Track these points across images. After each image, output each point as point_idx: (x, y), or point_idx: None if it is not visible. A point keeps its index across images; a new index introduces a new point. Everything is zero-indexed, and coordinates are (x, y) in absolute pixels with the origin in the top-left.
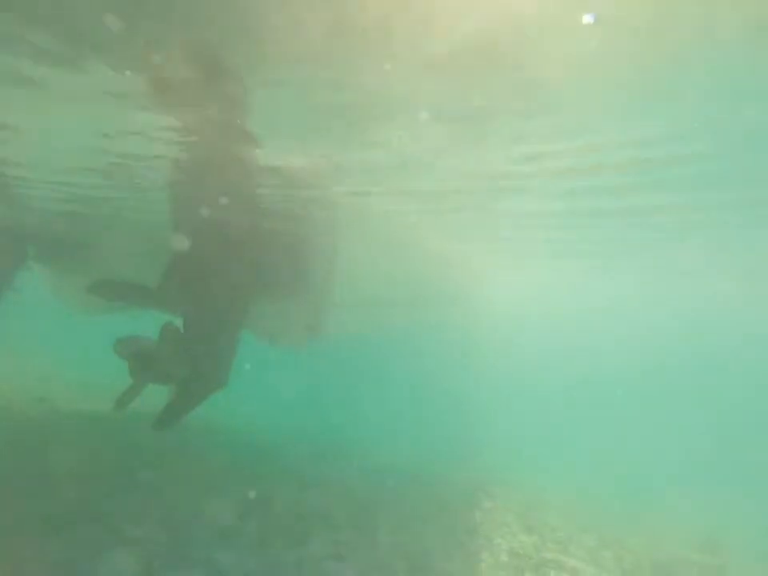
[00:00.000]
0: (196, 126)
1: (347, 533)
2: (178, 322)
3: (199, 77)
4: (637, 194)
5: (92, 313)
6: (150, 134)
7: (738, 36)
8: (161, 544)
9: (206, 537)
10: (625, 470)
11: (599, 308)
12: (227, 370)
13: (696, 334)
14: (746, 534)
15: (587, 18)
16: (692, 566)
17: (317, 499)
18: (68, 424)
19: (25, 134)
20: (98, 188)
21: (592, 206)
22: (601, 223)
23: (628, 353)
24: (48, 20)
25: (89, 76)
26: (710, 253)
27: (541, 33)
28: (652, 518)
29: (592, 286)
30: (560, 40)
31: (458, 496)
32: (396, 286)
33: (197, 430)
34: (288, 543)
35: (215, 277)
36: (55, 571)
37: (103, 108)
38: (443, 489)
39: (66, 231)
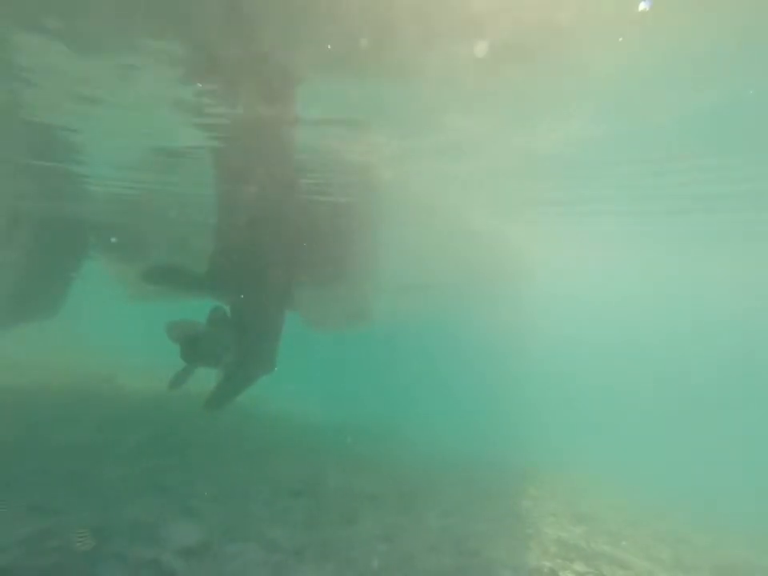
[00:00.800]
0: (246, 113)
1: (396, 515)
2: (226, 307)
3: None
4: None
5: (148, 298)
6: (199, 112)
7: None
8: (218, 517)
9: (259, 514)
10: (685, 465)
11: (666, 296)
12: (274, 354)
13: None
14: None
15: (643, 5)
16: (756, 570)
17: (366, 481)
18: (132, 403)
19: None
20: (150, 179)
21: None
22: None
23: (692, 346)
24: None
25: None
26: None
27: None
28: (714, 516)
29: (666, 272)
30: None
31: (507, 483)
32: (445, 269)
33: (250, 412)
34: (338, 522)
35: (259, 263)
36: (126, 534)
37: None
38: (492, 475)
39: (123, 222)
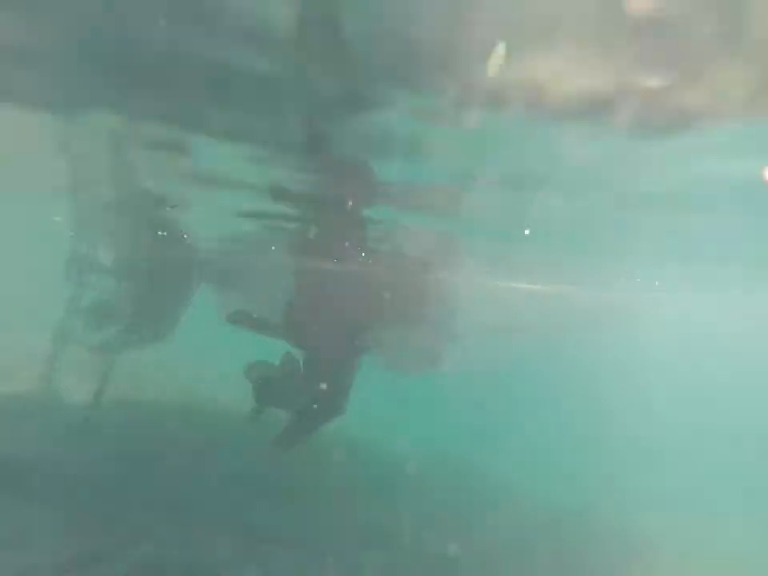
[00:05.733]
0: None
1: None
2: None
3: None
4: None
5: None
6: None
7: None
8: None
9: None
10: None
11: None
12: (345, 399)
13: None
14: None
15: None
16: None
17: (444, 538)
18: (229, 426)
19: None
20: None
21: None
22: None
23: None
24: None
25: None
26: None
27: None
28: None
29: None
30: None
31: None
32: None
33: (330, 446)
34: None
35: (330, 317)
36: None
37: None
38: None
39: (224, 262)
